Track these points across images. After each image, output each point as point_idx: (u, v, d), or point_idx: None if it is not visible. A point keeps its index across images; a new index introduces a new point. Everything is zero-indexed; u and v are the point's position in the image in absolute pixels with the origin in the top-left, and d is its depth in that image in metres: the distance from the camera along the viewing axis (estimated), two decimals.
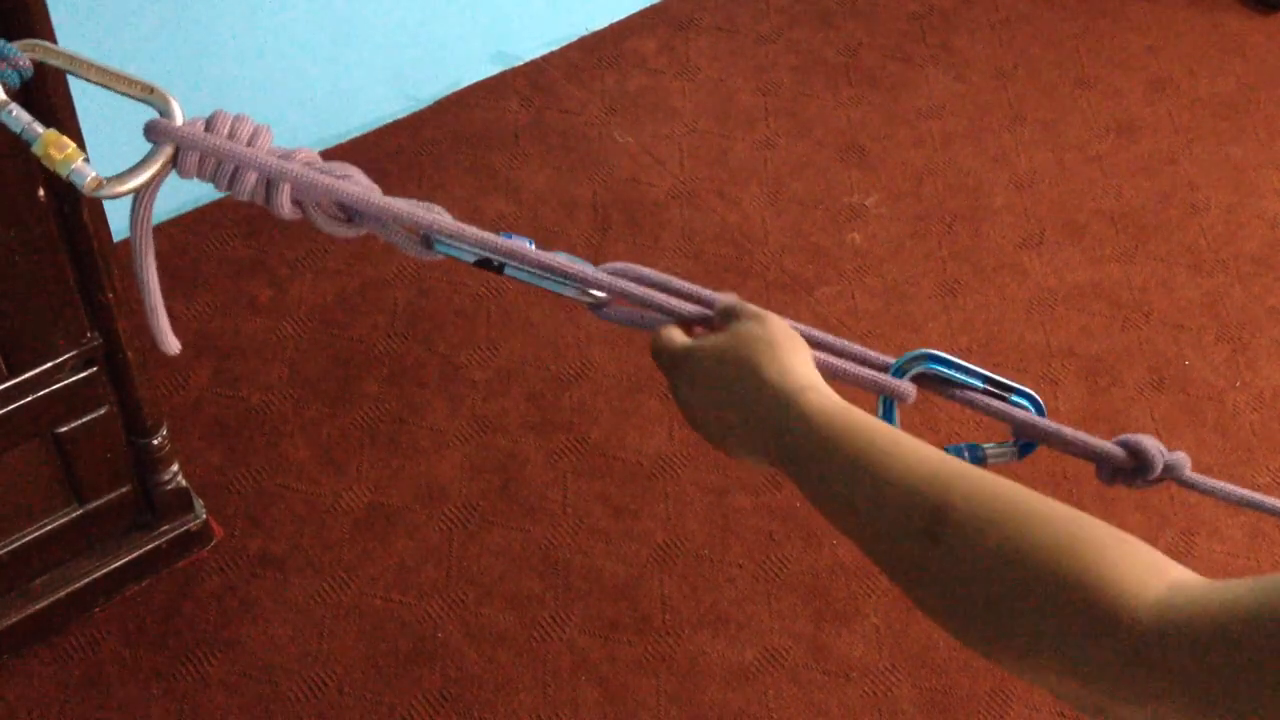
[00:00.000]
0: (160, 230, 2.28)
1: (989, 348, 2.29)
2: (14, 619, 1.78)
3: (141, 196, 0.71)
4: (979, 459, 0.83)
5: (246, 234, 2.30)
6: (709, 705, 1.88)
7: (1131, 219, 2.52)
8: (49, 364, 1.54)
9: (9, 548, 1.73)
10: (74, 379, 1.58)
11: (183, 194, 2.31)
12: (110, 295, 1.52)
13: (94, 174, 0.68)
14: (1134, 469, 0.82)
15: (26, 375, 1.53)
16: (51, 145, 0.69)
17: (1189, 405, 2.25)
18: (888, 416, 0.81)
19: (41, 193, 1.37)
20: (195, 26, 2.12)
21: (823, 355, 0.81)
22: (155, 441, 1.76)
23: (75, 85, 1.37)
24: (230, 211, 2.32)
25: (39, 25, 1.26)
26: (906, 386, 0.80)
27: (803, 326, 0.82)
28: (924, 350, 0.81)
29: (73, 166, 0.69)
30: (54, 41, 1.29)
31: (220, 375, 2.14)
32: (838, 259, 2.39)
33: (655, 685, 1.89)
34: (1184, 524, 2.10)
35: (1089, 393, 2.25)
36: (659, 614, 1.95)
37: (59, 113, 1.33)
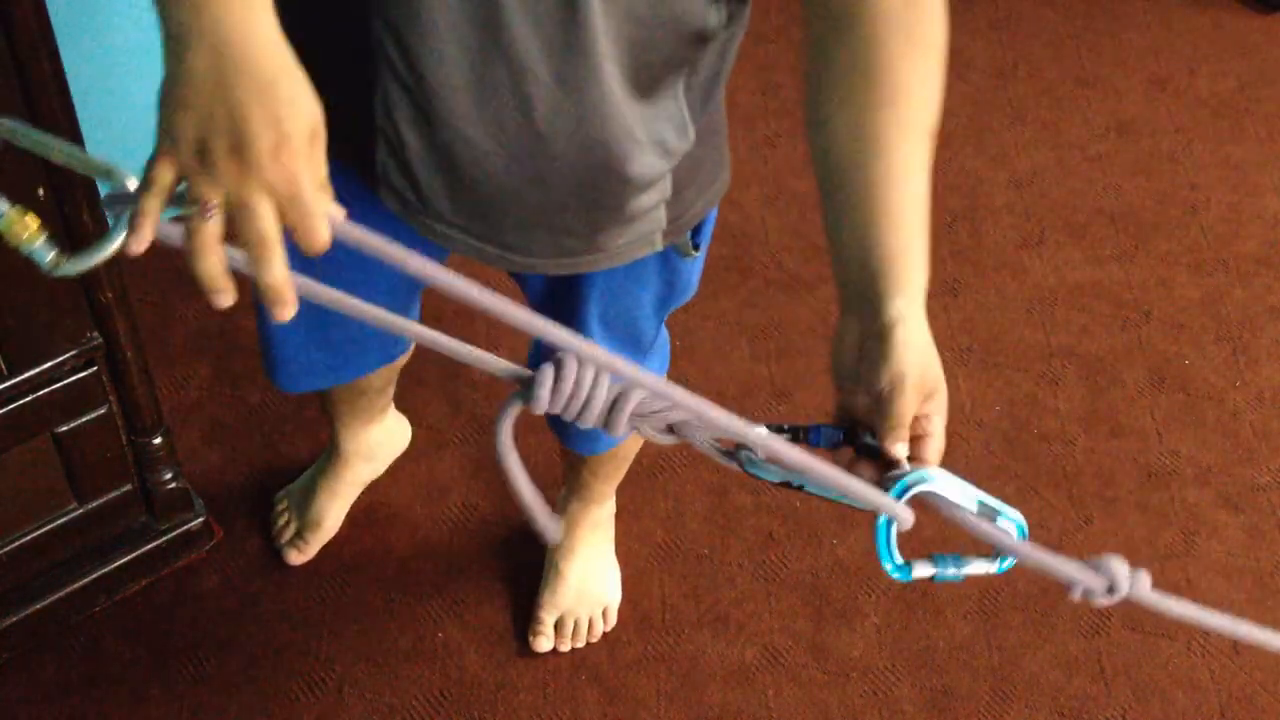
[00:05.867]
0: (160, 229, 2.28)
1: (989, 347, 2.29)
2: (14, 619, 1.78)
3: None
4: (961, 566, 0.88)
5: None
6: (709, 705, 1.88)
7: (1131, 219, 2.52)
8: (49, 364, 1.54)
9: (9, 547, 1.73)
10: (74, 379, 1.58)
11: None
12: (110, 295, 1.52)
13: (53, 253, 0.71)
14: (1107, 589, 0.88)
15: (26, 375, 1.53)
16: (15, 223, 0.71)
17: (1189, 405, 2.25)
18: (885, 536, 0.85)
19: (41, 192, 1.37)
20: None
21: (831, 468, 0.83)
22: (155, 441, 1.76)
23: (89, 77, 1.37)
24: None
25: (40, 33, 1.27)
26: (906, 511, 0.84)
27: (798, 453, 0.83)
28: (925, 471, 0.85)
29: (33, 246, 0.71)
30: (54, 35, 1.30)
31: (220, 375, 2.14)
32: None
33: (655, 685, 1.89)
34: (1184, 524, 2.10)
35: (1089, 393, 2.25)
36: (659, 614, 1.95)
37: (62, 131, 1.33)
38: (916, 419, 0.95)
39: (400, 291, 1.45)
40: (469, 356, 0.77)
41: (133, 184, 0.71)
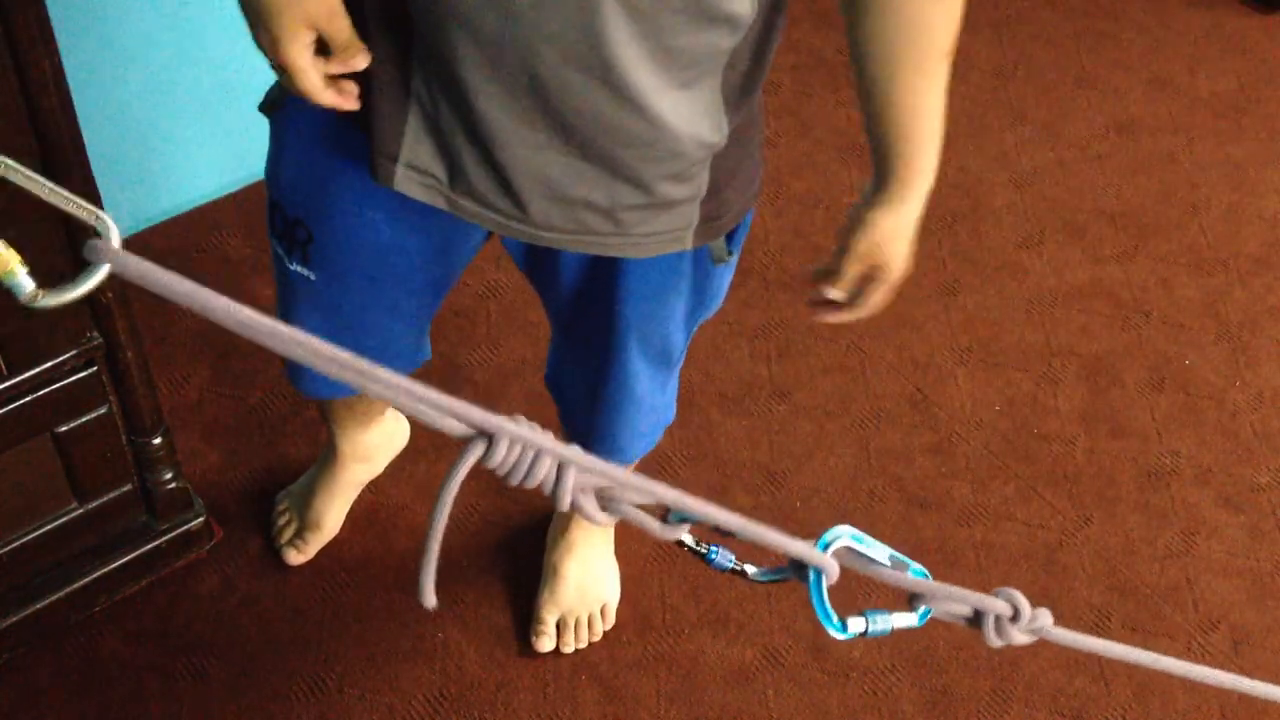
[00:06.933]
0: (160, 230, 2.28)
1: (989, 348, 2.29)
2: (14, 619, 1.78)
3: None
4: (888, 619, 0.93)
5: (246, 234, 2.30)
6: (709, 705, 1.88)
7: (1131, 219, 2.53)
8: (49, 364, 1.54)
9: (9, 547, 1.73)
10: (74, 379, 1.58)
11: (183, 193, 2.31)
12: (110, 295, 1.53)
13: (32, 286, 0.74)
14: (1012, 616, 0.93)
15: (26, 375, 1.53)
16: None
17: (1189, 405, 2.25)
18: (820, 592, 0.89)
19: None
20: (195, 24, 2.12)
21: (751, 527, 0.84)
22: (155, 441, 1.76)
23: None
24: (230, 211, 2.32)
25: (40, 33, 1.27)
26: (832, 563, 0.87)
27: (724, 513, 0.84)
28: (847, 527, 0.89)
29: (14, 280, 0.74)
30: (54, 35, 1.30)
31: (220, 375, 2.14)
32: None
33: (655, 685, 1.89)
34: (1184, 524, 2.10)
35: (1089, 393, 2.25)
36: (659, 614, 1.95)
37: (62, 131, 1.34)
38: (862, 279, 1.29)
39: (426, 294, 1.46)
40: (425, 415, 0.76)
41: (115, 235, 0.74)
